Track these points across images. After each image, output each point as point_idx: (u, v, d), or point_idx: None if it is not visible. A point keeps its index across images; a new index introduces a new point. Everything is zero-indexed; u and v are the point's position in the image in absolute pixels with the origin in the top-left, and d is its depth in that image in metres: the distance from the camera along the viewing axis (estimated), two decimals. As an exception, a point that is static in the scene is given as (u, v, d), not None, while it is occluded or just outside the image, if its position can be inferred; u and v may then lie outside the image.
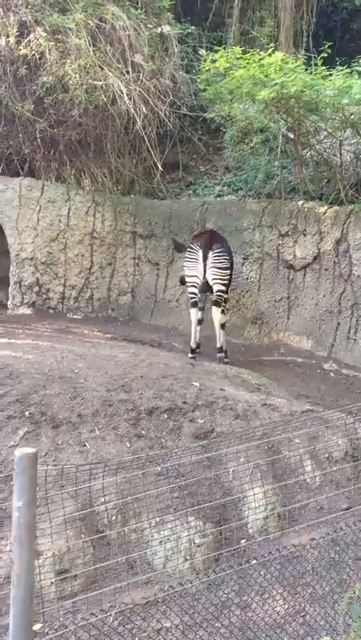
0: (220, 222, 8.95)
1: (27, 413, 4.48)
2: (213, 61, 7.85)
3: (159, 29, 8.75)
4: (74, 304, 9.41)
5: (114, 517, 3.68)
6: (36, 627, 2.63)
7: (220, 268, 7.02)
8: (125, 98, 8.07)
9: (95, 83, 8.08)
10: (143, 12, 8.65)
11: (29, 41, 8.02)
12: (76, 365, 5.58)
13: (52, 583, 3.16)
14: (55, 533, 3.07)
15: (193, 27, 9.81)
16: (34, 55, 8.06)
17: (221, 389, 5.48)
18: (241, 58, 7.65)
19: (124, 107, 8.17)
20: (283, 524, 3.91)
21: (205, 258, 6.96)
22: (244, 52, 7.70)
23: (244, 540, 3.75)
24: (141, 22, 8.51)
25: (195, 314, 7.27)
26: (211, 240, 7.17)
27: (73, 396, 4.82)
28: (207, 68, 7.95)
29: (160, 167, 9.39)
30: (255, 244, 8.71)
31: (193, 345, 7.27)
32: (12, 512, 2.07)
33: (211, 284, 7.05)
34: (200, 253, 7.02)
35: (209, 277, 7.01)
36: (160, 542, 3.51)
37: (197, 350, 7.31)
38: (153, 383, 5.30)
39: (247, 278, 8.79)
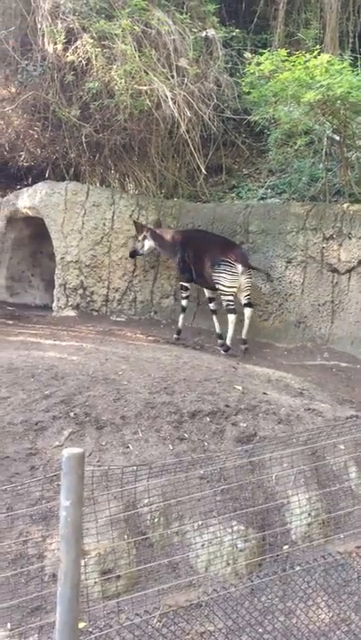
0: (263, 225, 8.89)
1: (71, 414, 4.55)
2: (258, 64, 7.82)
3: (204, 33, 8.76)
4: (117, 307, 9.50)
5: (156, 519, 3.70)
6: (81, 625, 2.66)
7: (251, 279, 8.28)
8: (170, 102, 8.11)
9: (140, 88, 8.15)
10: (188, 16, 8.68)
11: (76, 47, 8.15)
12: (119, 367, 5.64)
13: (95, 583, 3.20)
14: (99, 534, 3.11)
15: (237, 30, 9.77)
16: (80, 61, 8.19)
17: (264, 393, 5.45)
18: (286, 60, 7.60)
19: (169, 111, 8.21)
20: (327, 530, 3.86)
21: (243, 272, 7.96)
22: (290, 55, 7.64)
23: (286, 546, 3.72)
24: (186, 27, 8.54)
25: (234, 318, 7.97)
26: (244, 256, 8.20)
27: (116, 398, 4.87)
28: (252, 70, 7.92)
29: (203, 170, 9.40)
30: (299, 248, 8.62)
31: (229, 342, 7.98)
32: (60, 511, 2.10)
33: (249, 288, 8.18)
34: (239, 267, 7.92)
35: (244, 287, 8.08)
36: (202, 545, 3.51)
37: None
38: (195, 386, 5.31)
39: (290, 282, 8.70)
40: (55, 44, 8.19)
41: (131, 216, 9.52)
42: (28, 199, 9.81)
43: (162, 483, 3.59)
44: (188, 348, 7.90)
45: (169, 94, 8.11)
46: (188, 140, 8.78)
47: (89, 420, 4.53)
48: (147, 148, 9.93)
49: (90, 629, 2.79)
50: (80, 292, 9.41)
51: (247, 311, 8.10)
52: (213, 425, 4.74)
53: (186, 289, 8.67)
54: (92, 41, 8.04)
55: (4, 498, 3.56)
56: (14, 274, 11.00)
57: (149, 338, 8.18)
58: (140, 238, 9.03)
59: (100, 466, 3.86)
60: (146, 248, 9.02)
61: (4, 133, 10.02)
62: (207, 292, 8.63)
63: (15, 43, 8.64)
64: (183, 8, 8.77)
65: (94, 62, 8.12)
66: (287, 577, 3.21)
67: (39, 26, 8.32)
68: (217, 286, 8.05)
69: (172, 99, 8.15)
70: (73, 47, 8.19)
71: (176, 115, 8.25)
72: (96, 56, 8.07)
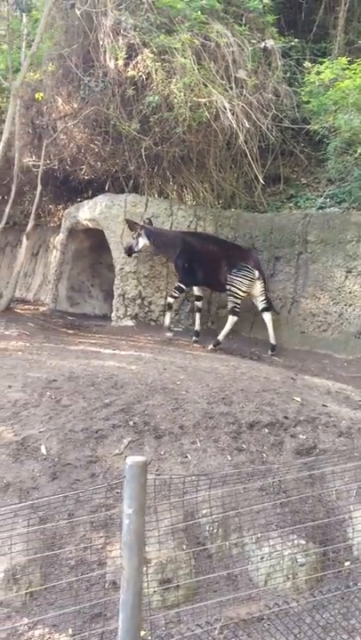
0: (322, 235, 8.78)
1: (131, 423, 4.60)
2: (318, 73, 7.79)
3: (263, 44, 8.78)
4: (175, 317, 9.56)
5: (215, 530, 3.69)
6: (140, 633, 2.68)
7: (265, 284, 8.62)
8: (228, 113, 8.15)
9: (199, 100, 8.22)
10: (247, 27, 8.72)
11: (137, 62, 8.31)
12: (177, 377, 5.67)
13: (154, 592, 3.21)
14: (158, 542, 3.12)
15: (296, 39, 9.74)
16: (141, 76, 8.34)
17: (324, 405, 5.36)
18: (347, 68, 7.54)
19: (227, 122, 8.25)
20: (391, 548, 3.74)
21: (258, 277, 8.37)
22: (350, 63, 7.56)
23: (348, 563, 3.63)
24: (245, 38, 8.58)
25: (236, 320, 8.42)
26: (259, 262, 8.56)
27: (175, 408, 4.89)
28: (312, 79, 7.90)
29: (261, 180, 9.38)
30: (359, 257, 8.46)
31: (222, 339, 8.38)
32: (122, 519, 2.13)
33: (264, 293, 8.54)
34: (256, 273, 8.31)
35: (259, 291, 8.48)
36: (261, 559, 3.48)
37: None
38: (254, 397, 5.27)
39: (350, 292, 8.54)
40: (116, 59, 8.38)
41: (189, 226, 9.59)
42: (88, 211, 10.03)
43: (221, 493, 3.58)
44: (245, 358, 7.87)
45: (227, 105, 8.15)
46: (246, 151, 8.78)
47: (148, 429, 4.56)
48: (205, 159, 9.99)
49: (149, 638, 2.80)
50: (138, 302, 9.53)
51: (267, 315, 8.44)
52: (272, 436, 4.70)
53: (182, 290, 8.83)
54: (152, 55, 8.18)
55: (66, 504, 3.63)
56: (74, 284, 11.27)
57: (207, 348, 8.19)
58: (134, 236, 9.14)
59: (158, 475, 3.88)
60: (140, 245, 9.06)
61: (67, 148, 10.29)
62: (197, 291, 8.95)
63: (78, 60, 8.89)
64: (242, 20, 8.81)
65: (154, 76, 8.26)
66: (350, 594, 3.13)
67: (101, 42, 8.54)
68: (232, 289, 8.29)
69: (230, 110, 8.18)
70: (133, 62, 8.36)
71: (234, 125, 8.27)
72: (156, 70, 8.20)
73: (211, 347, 8.15)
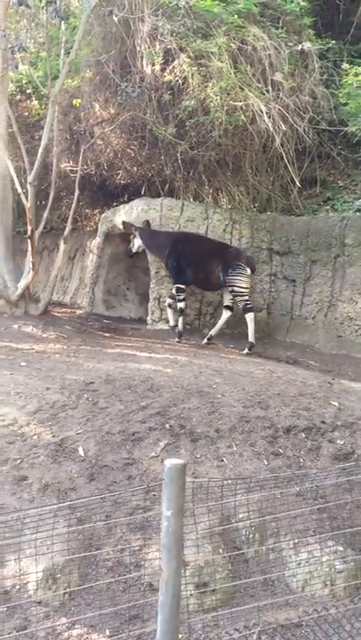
0: (360, 238, 8.67)
1: (167, 426, 4.62)
2: (356, 75, 7.70)
3: (300, 46, 8.72)
4: (210, 320, 9.55)
5: (252, 535, 3.67)
6: (178, 636, 2.68)
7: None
8: (265, 116, 8.13)
9: (235, 103, 8.22)
10: (284, 30, 8.68)
11: (173, 67, 8.36)
12: (213, 380, 5.67)
13: (191, 595, 3.22)
14: (195, 546, 3.13)
15: (334, 41, 9.66)
16: (177, 81, 8.38)
17: (362, 410, 5.29)
18: (386, 69, 7.43)
19: (264, 125, 8.23)
20: None
21: (250, 275, 8.53)
22: (389, 64, 7.46)
23: (387, 571, 3.57)
24: (282, 41, 8.55)
25: (253, 316, 8.45)
26: (250, 260, 8.67)
27: (211, 411, 4.90)
28: (350, 81, 7.81)
29: (298, 183, 9.32)
30: None
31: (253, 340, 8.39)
32: (161, 521, 2.14)
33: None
34: (248, 271, 8.41)
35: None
36: (298, 564, 3.45)
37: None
38: (290, 401, 5.24)
39: (388, 296, 8.42)
40: (153, 64, 8.44)
41: (224, 230, 9.58)
42: (124, 215, 10.12)
43: (257, 498, 3.56)
44: (280, 362, 7.82)
45: (264, 109, 8.13)
46: (283, 154, 8.74)
47: (184, 432, 4.58)
48: (240, 162, 9.97)
49: (186, 641, 2.81)
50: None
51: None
52: (309, 441, 4.66)
53: (183, 291, 8.78)
54: (188, 60, 8.22)
55: (104, 505, 3.66)
56: (110, 288, 11.37)
57: (242, 352, 8.16)
58: (131, 237, 9.49)
59: (195, 478, 3.89)
60: (135, 247, 9.38)
61: (103, 153, 10.40)
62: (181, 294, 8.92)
63: (115, 66, 8.99)
64: (279, 23, 8.77)
65: (190, 81, 8.29)
66: (390, 602, 3.09)
67: (138, 48, 8.61)
68: (235, 289, 8.38)
69: (266, 113, 8.16)
70: (170, 67, 8.40)
71: (271, 129, 8.25)
72: (192, 75, 8.24)
73: (246, 351, 8.13)
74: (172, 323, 8.94)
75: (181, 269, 8.74)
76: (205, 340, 8.58)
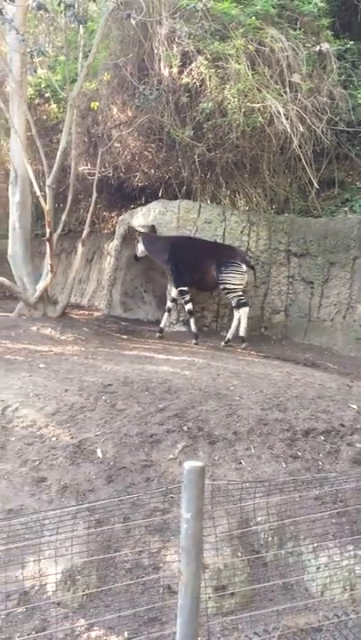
0: (379, 239, 8.62)
1: (185, 428, 4.61)
2: (375, 75, 7.63)
3: (318, 47, 8.68)
4: (227, 322, 9.53)
5: (270, 538, 3.65)
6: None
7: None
8: (283, 118, 8.09)
9: (253, 105, 8.20)
10: (302, 31, 8.65)
11: (191, 70, 8.36)
12: (231, 383, 5.66)
13: (209, 598, 3.21)
14: (213, 549, 3.12)
15: (352, 41, 9.60)
16: (195, 83, 8.38)
17: (382, 414, 5.23)
18: None
19: (281, 127, 8.19)
20: None
21: (247, 271, 8.68)
22: None
23: None
24: (300, 42, 8.51)
25: (247, 311, 8.63)
26: (245, 257, 8.91)
27: (229, 413, 4.88)
28: (368, 82, 7.75)
29: (315, 184, 9.26)
30: None
31: (245, 334, 8.61)
32: (181, 523, 2.14)
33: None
34: (244, 267, 8.58)
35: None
36: (318, 569, 3.42)
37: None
38: (308, 403, 5.20)
39: None
40: (171, 67, 8.45)
41: (242, 232, 9.56)
42: (142, 218, 10.14)
43: (276, 501, 3.54)
44: (298, 364, 7.77)
45: (282, 110, 8.09)
46: (301, 155, 8.69)
47: (202, 435, 4.57)
48: (258, 164, 9.95)
49: (204, 644, 2.80)
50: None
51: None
52: (328, 444, 4.62)
53: (186, 293, 8.92)
54: (206, 62, 8.21)
55: (122, 507, 3.66)
56: (128, 290, 11.40)
57: (260, 354, 8.13)
58: (135, 242, 9.83)
59: (214, 480, 3.88)
60: (139, 252, 9.71)
61: (121, 156, 10.43)
62: (174, 294, 9.13)
63: (133, 68, 9.01)
64: (297, 24, 8.74)
65: (208, 83, 8.28)
66: None
67: (156, 51, 8.63)
68: (227, 286, 8.57)
69: (284, 114, 8.12)
70: (187, 69, 8.40)
71: (289, 130, 8.21)
72: (210, 77, 8.23)
73: (243, 346, 8.32)
74: (162, 325, 9.15)
75: (180, 272, 8.91)
76: (223, 343, 8.64)
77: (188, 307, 8.89)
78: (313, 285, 9.43)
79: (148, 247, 9.48)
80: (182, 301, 9.02)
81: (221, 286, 8.61)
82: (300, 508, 3.65)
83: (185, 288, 8.89)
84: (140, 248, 9.61)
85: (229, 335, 8.67)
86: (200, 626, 2.68)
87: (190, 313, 8.88)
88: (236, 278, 8.54)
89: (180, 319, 9.52)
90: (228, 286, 8.55)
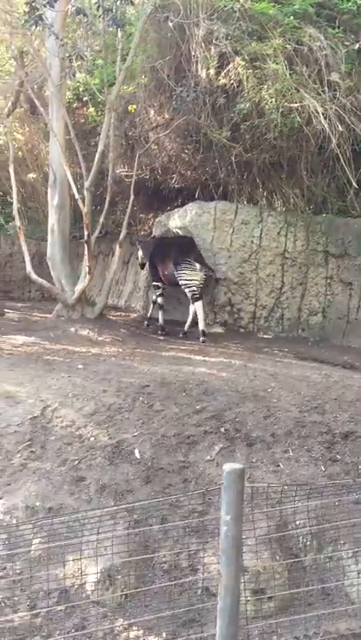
0: None
1: (222, 429, 4.61)
2: None
3: (356, 46, 8.53)
4: (264, 323, 9.48)
5: (309, 542, 3.62)
6: (235, 642, 2.66)
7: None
8: (321, 117, 7.99)
9: (291, 105, 8.13)
10: (341, 29, 8.53)
11: (228, 71, 8.33)
12: (268, 384, 5.62)
13: (247, 601, 3.19)
14: (253, 552, 3.10)
15: (392, 38, 9.43)
16: (232, 84, 8.35)
17: None
18: None
19: (320, 126, 8.09)
20: None
21: (201, 270, 8.99)
22: None
23: None
24: (339, 40, 8.39)
25: (201, 304, 8.99)
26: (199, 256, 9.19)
27: (266, 415, 4.86)
28: None
29: (354, 184, 9.12)
30: None
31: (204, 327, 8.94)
32: (220, 525, 2.13)
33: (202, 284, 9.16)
34: (197, 265, 8.93)
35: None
36: (358, 574, 3.37)
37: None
38: (347, 406, 5.14)
39: None
40: (208, 69, 8.44)
41: (279, 233, 9.49)
42: (178, 219, 10.16)
43: (315, 505, 3.51)
44: (337, 366, 7.66)
45: (320, 110, 8.00)
46: (339, 155, 8.56)
47: (239, 437, 4.56)
48: (295, 164, 9.85)
49: (243, 647, 2.78)
50: (228, 308, 9.53)
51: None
52: (368, 448, 4.55)
53: (158, 287, 9.88)
54: (243, 63, 8.17)
55: (160, 508, 3.67)
56: (164, 291, 11.40)
57: (297, 356, 8.05)
58: (136, 250, 10.80)
59: (251, 483, 3.86)
60: (140, 258, 10.70)
61: (158, 158, 10.48)
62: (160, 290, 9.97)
63: (170, 71, 9.04)
64: (335, 22, 8.62)
65: (245, 84, 8.24)
66: None
67: (193, 53, 8.63)
68: (181, 281, 9.02)
69: (323, 114, 8.02)
70: (225, 71, 8.38)
71: (327, 129, 8.10)
72: (247, 77, 8.19)
73: (202, 339, 8.59)
74: (147, 314, 10.25)
75: (154, 268, 9.83)
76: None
77: (160, 300, 9.81)
78: (352, 287, 9.30)
79: (143, 252, 10.40)
80: (154, 296, 9.97)
81: (179, 282, 9.13)
82: (339, 512, 3.61)
83: (157, 283, 9.79)
84: (140, 254, 10.50)
85: (186, 327, 9.30)
86: (239, 628, 2.67)
87: (160, 307, 9.77)
88: (188, 274, 9.00)
89: (217, 320, 9.50)
90: (182, 282, 9.05)
